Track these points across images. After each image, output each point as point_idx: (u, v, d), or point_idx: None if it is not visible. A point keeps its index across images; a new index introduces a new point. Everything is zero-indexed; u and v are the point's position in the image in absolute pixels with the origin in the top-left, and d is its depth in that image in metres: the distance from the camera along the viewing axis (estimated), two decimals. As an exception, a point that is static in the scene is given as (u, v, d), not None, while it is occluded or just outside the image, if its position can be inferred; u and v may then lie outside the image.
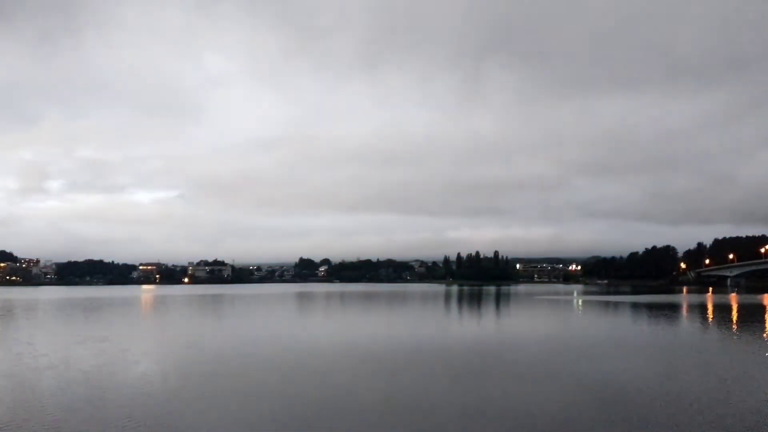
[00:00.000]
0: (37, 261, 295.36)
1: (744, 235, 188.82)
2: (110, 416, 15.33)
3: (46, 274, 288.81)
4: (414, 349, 28.97)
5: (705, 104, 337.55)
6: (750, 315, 52.89)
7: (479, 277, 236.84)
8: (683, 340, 33.66)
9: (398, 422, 14.90)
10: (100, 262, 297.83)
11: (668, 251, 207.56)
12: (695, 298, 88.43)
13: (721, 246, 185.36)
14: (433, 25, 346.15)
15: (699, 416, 15.42)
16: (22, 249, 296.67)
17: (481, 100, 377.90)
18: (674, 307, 64.32)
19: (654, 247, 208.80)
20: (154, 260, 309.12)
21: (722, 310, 60.27)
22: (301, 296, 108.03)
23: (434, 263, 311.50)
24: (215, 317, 57.74)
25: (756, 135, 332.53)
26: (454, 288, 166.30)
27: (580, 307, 68.26)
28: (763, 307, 64.50)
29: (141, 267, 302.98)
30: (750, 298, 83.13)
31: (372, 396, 17.90)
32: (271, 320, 52.92)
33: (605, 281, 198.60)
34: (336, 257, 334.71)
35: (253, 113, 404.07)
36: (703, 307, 63.55)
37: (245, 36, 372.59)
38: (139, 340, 34.87)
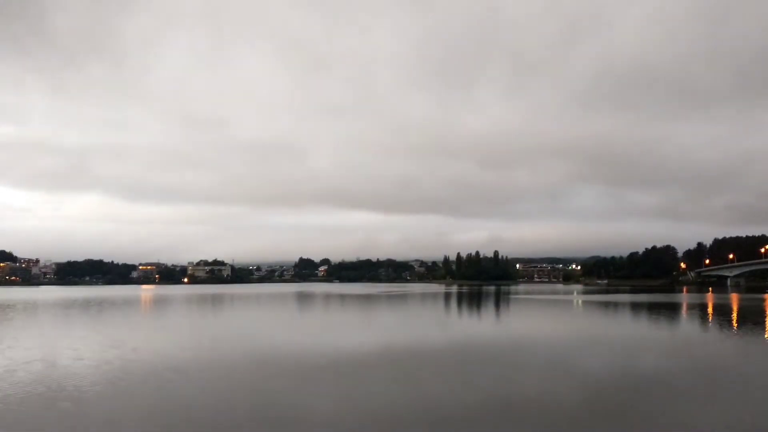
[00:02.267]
0: (37, 261, 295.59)
1: (744, 235, 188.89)
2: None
3: (45, 274, 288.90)
4: (423, 348, 28.62)
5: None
6: (751, 314, 52.64)
7: (479, 277, 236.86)
8: (685, 338, 33.43)
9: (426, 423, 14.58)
10: (100, 261, 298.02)
11: (668, 251, 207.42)
12: (695, 297, 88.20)
13: (721, 246, 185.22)
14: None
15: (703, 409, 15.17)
16: (21, 249, 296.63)
17: (485, 103, 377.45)
18: (674, 307, 64.08)
19: (654, 247, 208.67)
20: (154, 260, 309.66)
21: (723, 309, 60.07)
22: (300, 296, 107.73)
23: (434, 263, 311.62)
24: (210, 317, 57.49)
25: (754, 135, 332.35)
26: (454, 288, 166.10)
27: (580, 307, 68.00)
28: (764, 306, 64.27)
29: (141, 267, 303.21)
30: (751, 298, 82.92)
31: (394, 397, 17.53)
32: (276, 321, 52.65)
33: (605, 281, 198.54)
34: (336, 257, 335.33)
35: (252, 111, 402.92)
36: (703, 307, 63.29)
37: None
38: (135, 338, 34.60)
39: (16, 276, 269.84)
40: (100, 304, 77.35)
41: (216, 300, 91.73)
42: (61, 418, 14.93)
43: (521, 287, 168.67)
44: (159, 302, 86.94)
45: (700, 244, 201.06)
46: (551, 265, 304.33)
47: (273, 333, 39.30)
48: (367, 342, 31.63)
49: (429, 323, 46.87)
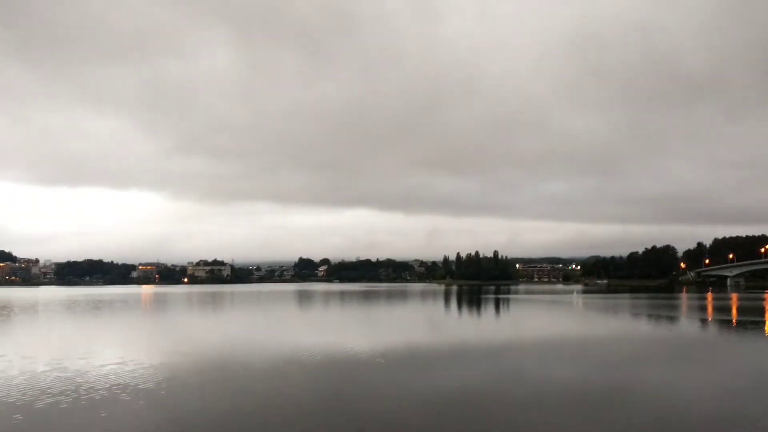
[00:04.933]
0: (37, 261, 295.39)
1: (744, 235, 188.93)
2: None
3: (45, 274, 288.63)
4: (432, 347, 28.83)
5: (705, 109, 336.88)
6: (751, 314, 52.83)
7: (479, 276, 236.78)
8: (684, 337, 33.64)
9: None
10: (100, 261, 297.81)
11: (668, 251, 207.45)
12: (694, 298, 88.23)
13: (721, 246, 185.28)
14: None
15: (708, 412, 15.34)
16: (21, 249, 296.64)
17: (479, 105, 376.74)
18: (673, 307, 64.26)
19: (654, 247, 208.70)
20: (154, 260, 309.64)
21: (723, 309, 60.27)
22: (301, 294, 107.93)
23: (434, 263, 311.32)
24: (227, 315, 57.71)
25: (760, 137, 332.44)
26: (453, 287, 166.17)
27: (579, 307, 68.14)
28: (764, 306, 64.45)
29: (140, 267, 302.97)
30: (751, 297, 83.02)
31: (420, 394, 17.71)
32: (293, 318, 52.77)
33: (605, 281, 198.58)
34: (336, 257, 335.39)
35: (250, 109, 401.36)
36: (702, 307, 63.45)
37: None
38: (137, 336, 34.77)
39: (15, 276, 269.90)
40: (116, 303, 77.48)
41: (228, 299, 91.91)
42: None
43: (521, 287, 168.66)
44: (177, 301, 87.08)
45: (700, 244, 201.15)
46: (551, 265, 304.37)
47: (297, 330, 39.52)
48: (382, 339, 31.88)
49: (432, 322, 47.18)
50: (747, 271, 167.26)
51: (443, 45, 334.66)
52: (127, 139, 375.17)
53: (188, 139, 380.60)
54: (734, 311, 55.80)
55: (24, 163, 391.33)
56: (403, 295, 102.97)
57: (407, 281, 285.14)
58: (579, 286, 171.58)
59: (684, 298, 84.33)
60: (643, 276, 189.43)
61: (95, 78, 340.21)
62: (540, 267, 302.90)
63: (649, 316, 49.49)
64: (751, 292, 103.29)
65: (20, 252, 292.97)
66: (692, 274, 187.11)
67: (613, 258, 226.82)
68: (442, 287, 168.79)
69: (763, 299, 77.09)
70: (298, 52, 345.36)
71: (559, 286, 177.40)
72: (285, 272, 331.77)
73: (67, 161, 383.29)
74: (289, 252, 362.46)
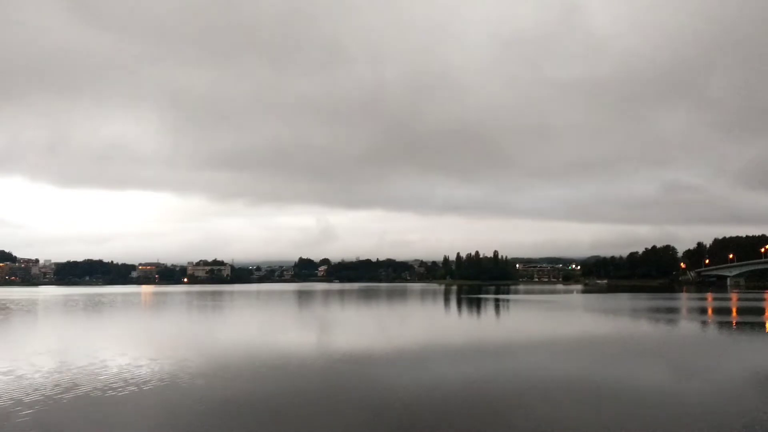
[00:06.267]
0: (36, 261, 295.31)
1: (744, 235, 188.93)
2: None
3: (45, 274, 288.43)
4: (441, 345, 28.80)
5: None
6: (751, 314, 52.72)
7: (479, 276, 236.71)
8: (683, 336, 33.58)
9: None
10: (100, 261, 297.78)
11: (668, 251, 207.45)
12: (695, 297, 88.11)
13: (721, 246, 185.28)
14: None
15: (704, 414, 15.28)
16: (21, 249, 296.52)
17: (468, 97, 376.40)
18: (673, 307, 64.15)
19: (654, 247, 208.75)
20: (154, 260, 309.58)
21: (723, 309, 60.14)
22: (301, 294, 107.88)
23: (434, 263, 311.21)
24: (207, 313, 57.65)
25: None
26: (453, 287, 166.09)
27: (579, 307, 68.05)
28: (764, 306, 64.35)
29: (140, 267, 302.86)
30: (751, 297, 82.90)
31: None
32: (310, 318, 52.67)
33: (605, 281, 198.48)
34: (335, 257, 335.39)
35: (250, 110, 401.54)
36: (702, 307, 63.35)
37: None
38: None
39: (15, 276, 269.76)
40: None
41: (227, 298, 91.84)
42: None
43: (521, 287, 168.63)
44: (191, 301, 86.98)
45: (700, 244, 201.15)
46: (551, 265, 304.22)
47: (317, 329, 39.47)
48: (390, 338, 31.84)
49: (433, 321, 47.15)
50: (747, 271, 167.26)
51: (422, 46, 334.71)
52: (128, 141, 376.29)
53: (189, 141, 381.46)
54: (734, 311, 55.70)
55: (26, 164, 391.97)
56: (403, 295, 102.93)
57: (407, 281, 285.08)
58: (579, 286, 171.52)
59: (684, 298, 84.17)
60: (643, 276, 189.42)
61: (98, 82, 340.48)
62: (540, 267, 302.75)
63: (649, 315, 49.36)
64: (751, 292, 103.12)
65: (20, 252, 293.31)
66: (692, 274, 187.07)
67: (613, 258, 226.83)
68: (442, 287, 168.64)
69: (763, 299, 76.96)
70: (292, 56, 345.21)
71: (559, 286, 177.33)
72: (285, 272, 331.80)
73: (68, 163, 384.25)
74: (289, 252, 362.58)
